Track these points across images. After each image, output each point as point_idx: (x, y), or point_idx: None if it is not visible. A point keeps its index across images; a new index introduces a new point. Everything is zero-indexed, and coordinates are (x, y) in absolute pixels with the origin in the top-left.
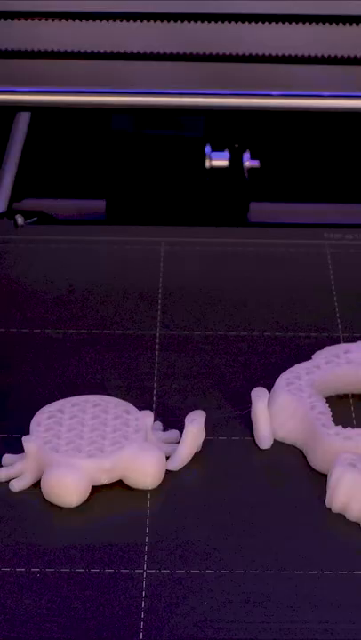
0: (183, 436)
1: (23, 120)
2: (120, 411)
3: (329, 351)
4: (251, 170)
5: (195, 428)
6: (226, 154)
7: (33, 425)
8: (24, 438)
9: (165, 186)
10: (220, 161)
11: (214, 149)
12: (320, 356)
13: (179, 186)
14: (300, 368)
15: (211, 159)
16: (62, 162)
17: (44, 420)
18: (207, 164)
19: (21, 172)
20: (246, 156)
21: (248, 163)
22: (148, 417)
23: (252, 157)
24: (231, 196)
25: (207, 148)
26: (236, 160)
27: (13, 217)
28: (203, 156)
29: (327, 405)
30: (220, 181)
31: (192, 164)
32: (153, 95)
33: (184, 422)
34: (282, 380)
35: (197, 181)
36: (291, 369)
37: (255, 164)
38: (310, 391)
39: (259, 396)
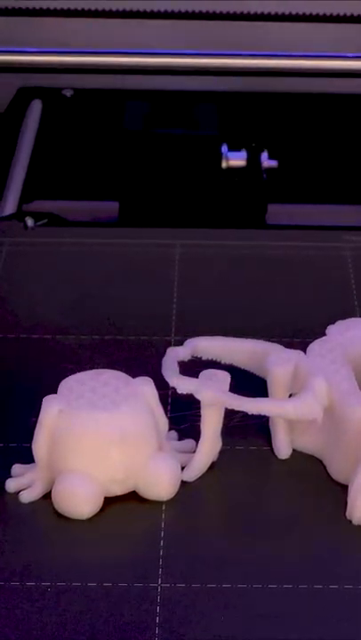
0: (202, 420)
1: (33, 119)
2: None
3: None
4: (269, 170)
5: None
6: (243, 153)
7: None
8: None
9: (180, 187)
10: (237, 161)
11: (231, 149)
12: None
13: (194, 187)
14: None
15: (227, 159)
16: (73, 162)
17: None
18: (224, 164)
19: (31, 173)
20: (264, 155)
21: (266, 163)
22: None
23: (271, 157)
24: (248, 197)
25: (224, 148)
26: (253, 160)
27: (23, 219)
28: (219, 156)
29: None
30: (237, 182)
31: (208, 164)
32: (153, 56)
33: (199, 430)
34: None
35: (213, 182)
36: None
37: (273, 164)
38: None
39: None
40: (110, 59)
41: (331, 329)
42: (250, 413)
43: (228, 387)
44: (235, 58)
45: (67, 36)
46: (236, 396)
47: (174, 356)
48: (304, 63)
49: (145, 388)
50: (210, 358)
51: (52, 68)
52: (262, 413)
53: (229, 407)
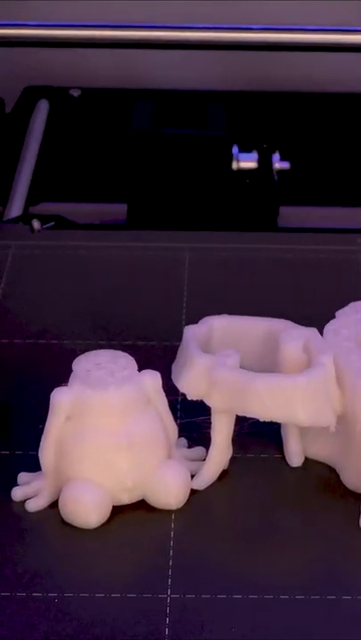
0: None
1: (40, 119)
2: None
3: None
4: (280, 172)
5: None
6: (254, 155)
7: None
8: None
9: (190, 189)
10: (248, 162)
11: (242, 150)
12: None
13: (204, 189)
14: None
15: (238, 160)
16: (81, 163)
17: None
18: (234, 165)
19: (38, 175)
20: (276, 157)
21: (278, 164)
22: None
23: (282, 158)
24: (259, 199)
25: (234, 149)
26: (264, 161)
27: (29, 221)
28: (229, 157)
29: None
30: (248, 184)
31: (218, 166)
32: (153, 29)
33: (209, 437)
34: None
35: (224, 184)
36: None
37: (285, 165)
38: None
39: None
40: (111, 32)
41: (343, 310)
42: (261, 420)
43: (238, 365)
44: (240, 32)
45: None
46: (245, 371)
47: (192, 334)
48: (310, 37)
49: (149, 379)
50: (225, 336)
51: (58, 68)
52: (273, 419)
53: (240, 384)
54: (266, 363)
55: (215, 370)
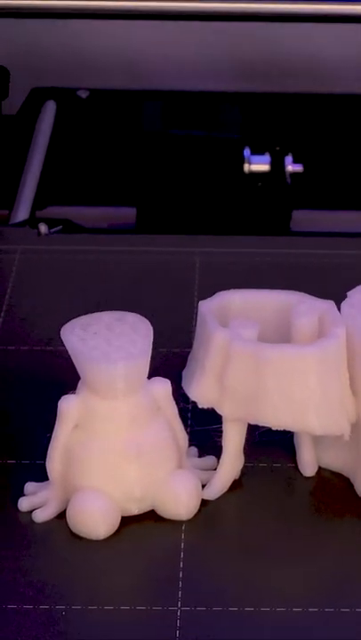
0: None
1: (47, 121)
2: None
3: None
4: (293, 175)
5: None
6: (266, 157)
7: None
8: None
9: (200, 192)
10: (260, 165)
11: (254, 152)
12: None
13: (215, 192)
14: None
15: (250, 163)
16: (89, 166)
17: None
18: (246, 168)
19: (45, 178)
20: (288, 159)
21: (290, 167)
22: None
23: (295, 161)
24: (272, 203)
25: (246, 151)
26: (277, 164)
27: (36, 225)
28: (241, 160)
29: None
30: (260, 187)
31: (230, 169)
32: None
33: (221, 446)
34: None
35: (235, 187)
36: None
37: (298, 168)
38: None
39: None
40: (111, 2)
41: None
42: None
43: (256, 335)
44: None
45: None
46: (260, 343)
47: (207, 308)
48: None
49: (159, 387)
50: (240, 310)
51: (65, 68)
52: (285, 427)
53: (254, 356)
54: (282, 335)
55: (232, 344)
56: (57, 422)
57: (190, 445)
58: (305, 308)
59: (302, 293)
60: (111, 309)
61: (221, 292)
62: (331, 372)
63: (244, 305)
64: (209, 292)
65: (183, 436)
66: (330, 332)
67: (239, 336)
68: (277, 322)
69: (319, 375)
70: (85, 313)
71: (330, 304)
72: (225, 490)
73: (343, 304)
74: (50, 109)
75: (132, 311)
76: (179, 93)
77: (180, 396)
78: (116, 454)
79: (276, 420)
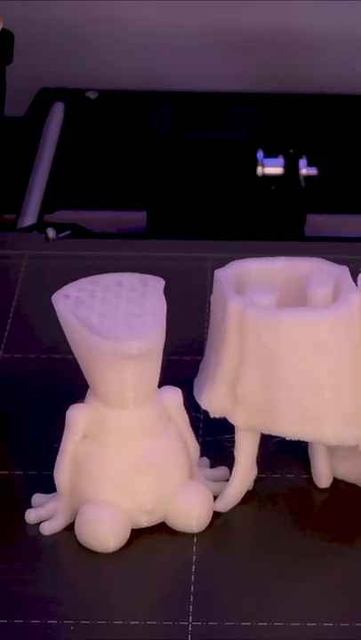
0: None
1: (55, 122)
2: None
3: None
4: (308, 178)
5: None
6: (280, 160)
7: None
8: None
9: (212, 195)
10: (273, 168)
11: (267, 155)
12: None
13: (227, 195)
14: None
15: (263, 166)
16: (97, 169)
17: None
18: (259, 171)
19: (53, 181)
20: (303, 162)
21: (305, 170)
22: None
23: (310, 164)
24: (286, 206)
25: (259, 154)
26: (291, 167)
27: (44, 230)
28: (254, 163)
29: None
30: (274, 191)
31: (242, 172)
32: None
33: (233, 457)
34: None
35: (248, 190)
36: None
37: (313, 171)
38: None
39: None
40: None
41: None
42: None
43: (274, 302)
44: None
45: None
46: (275, 309)
47: (223, 276)
48: None
49: (170, 396)
50: (257, 279)
51: (73, 69)
52: (298, 437)
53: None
54: (298, 304)
55: (246, 311)
56: (65, 432)
57: (202, 456)
58: (321, 278)
59: (319, 259)
60: None
61: (236, 261)
62: (344, 337)
63: (259, 273)
64: None
65: (194, 447)
66: (343, 298)
67: (254, 303)
68: (294, 289)
69: (332, 341)
70: None
71: (343, 269)
72: (237, 502)
73: (360, 276)
74: (58, 111)
75: None
76: (189, 94)
77: (191, 405)
78: (126, 465)
79: (289, 429)
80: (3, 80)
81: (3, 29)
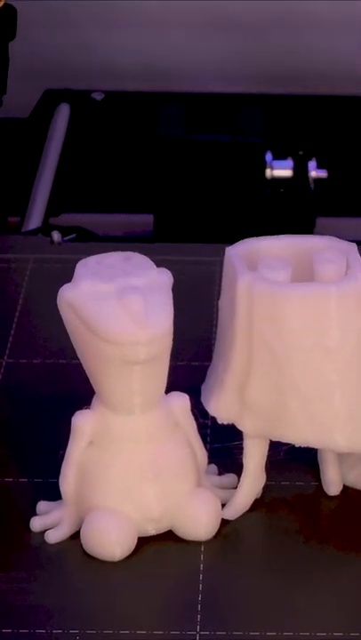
0: None
1: (60, 124)
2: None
3: None
4: (317, 180)
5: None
6: (289, 162)
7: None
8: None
9: (220, 198)
10: (282, 170)
11: (276, 157)
12: None
13: (236, 198)
14: None
15: (272, 168)
16: (104, 171)
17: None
18: (268, 173)
19: (58, 183)
20: (312, 164)
21: (314, 172)
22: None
23: (319, 166)
24: (295, 209)
25: (268, 156)
26: (300, 169)
27: (49, 233)
28: (263, 165)
29: None
30: (283, 193)
31: (251, 174)
32: None
33: (241, 464)
34: None
35: (257, 193)
36: None
37: (322, 173)
38: None
39: None
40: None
41: None
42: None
43: (288, 277)
44: None
45: None
46: (283, 283)
47: (235, 253)
48: None
49: (178, 402)
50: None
51: (79, 69)
52: (308, 443)
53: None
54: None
55: (255, 285)
56: (71, 439)
57: (210, 463)
58: (331, 255)
59: (330, 237)
60: None
61: (247, 239)
62: (351, 314)
63: (269, 251)
64: None
65: (202, 454)
66: (352, 274)
67: (263, 278)
68: (305, 267)
69: (340, 316)
70: None
71: (352, 247)
72: (246, 509)
73: None
74: (63, 112)
75: None
76: (197, 95)
77: (198, 411)
78: (132, 472)
79: (299, 436)
80: (6, 56)
81: (5, 4)
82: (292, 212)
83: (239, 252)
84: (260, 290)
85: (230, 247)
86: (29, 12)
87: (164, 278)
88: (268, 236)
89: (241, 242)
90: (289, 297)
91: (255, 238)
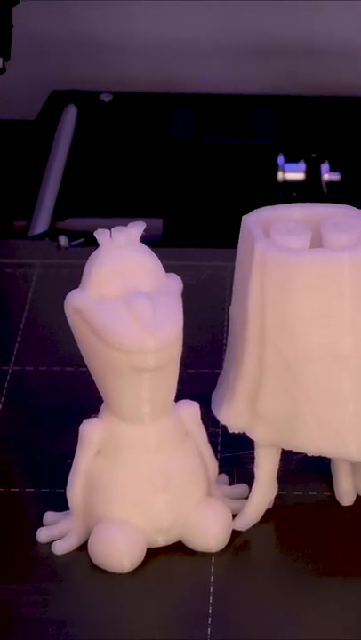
0: None
1: (67, 126)
2: None
3: None
4: (330, 184)
5: None
6: (301, 165)
7: None
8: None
9: (231, 202)
10: (294, 173)
11: (288, 160)
12: None
13: (247, 202)
14: None
15: (284, 171)
16: (112, 175)
17: None
18: (280, 176)
19: (65, 187)
20: (325, 167)
21: (327, 175)
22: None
23: (332, 169)
24: None
25: (280, 159)
26: (313, 172)
27: (56, 238)
28: (275, 168)
29: None
30: (295, 197)
31: (262, 177)
32: None
33: (253, 473)
34: None
35: (269, 197)
36: None
37: (335, 176)
38: None
39: None
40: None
41: None
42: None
43: (308, 243)
44: None
45: None
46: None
47: (253, 220)
48: None
49: (187, 410)
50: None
51: (87, 70)
52: (321, 452)
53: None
54: None
55: (267, 252)
56: (78, 448)
57: (220, 472)
58: (333, 226)
59: (347, 206)
60: None
61: (263, 208)
62: None
63: (287, 218)
64: None
65: (213, 463)
66: None
67: (276, 244)
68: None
69: (353, 282)
70: None
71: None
72: (257, 520)
73: None
74: (71, 114)
75: None
76: (207, 97)
77: (209, 420)
78: (142, 483)
79: (311, 445)
80: (9, 22)
81: None
82: None
83: (258, 220)
84: (272, 258)
85: (247, 215)
86: (37, 13)
87: (173, 283)
88: (283, 205)
89: (257, 210)
90: (300, 264)
91: (270, 207)
